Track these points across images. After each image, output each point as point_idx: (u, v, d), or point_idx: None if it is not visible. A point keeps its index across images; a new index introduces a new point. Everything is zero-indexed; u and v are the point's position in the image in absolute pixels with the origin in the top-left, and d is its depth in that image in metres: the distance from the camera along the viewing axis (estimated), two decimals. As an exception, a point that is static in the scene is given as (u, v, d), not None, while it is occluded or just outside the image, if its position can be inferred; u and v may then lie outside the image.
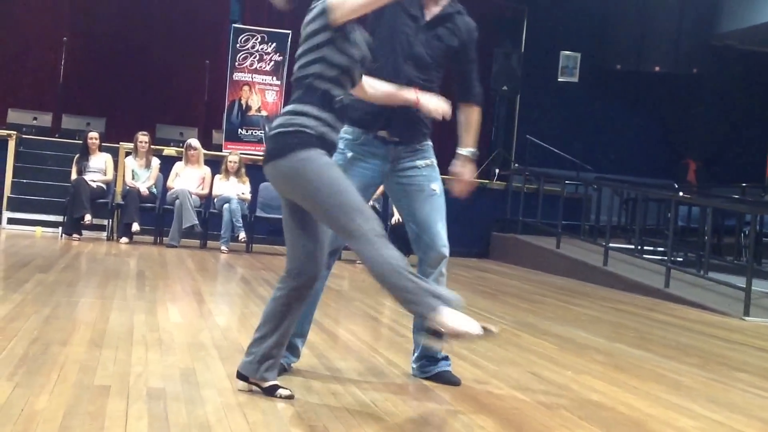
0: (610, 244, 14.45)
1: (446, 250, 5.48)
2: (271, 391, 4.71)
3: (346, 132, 5.33)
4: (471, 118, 5.62)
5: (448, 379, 5.46)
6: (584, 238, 16.22)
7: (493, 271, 15.25)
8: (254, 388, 4.75)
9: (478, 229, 17.64)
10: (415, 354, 5.61)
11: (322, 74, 4.63)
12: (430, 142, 5.56)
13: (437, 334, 4.42)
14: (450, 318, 4.38)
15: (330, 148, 4.66)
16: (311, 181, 4.49)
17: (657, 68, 20.05)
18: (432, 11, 5.38)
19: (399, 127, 5.34)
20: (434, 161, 5.54)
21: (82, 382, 4.70)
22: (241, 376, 4.80)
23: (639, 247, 15.16)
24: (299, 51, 4.72)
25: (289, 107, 4.70)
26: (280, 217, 11.53)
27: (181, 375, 5.07)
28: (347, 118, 5.05)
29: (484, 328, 4.47)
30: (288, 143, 4.54)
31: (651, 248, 15.62)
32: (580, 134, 19.90)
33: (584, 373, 6.34)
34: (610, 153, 20.03)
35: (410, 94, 5.12)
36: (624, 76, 20.27)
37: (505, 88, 18.74)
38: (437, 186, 5.47)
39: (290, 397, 4.70)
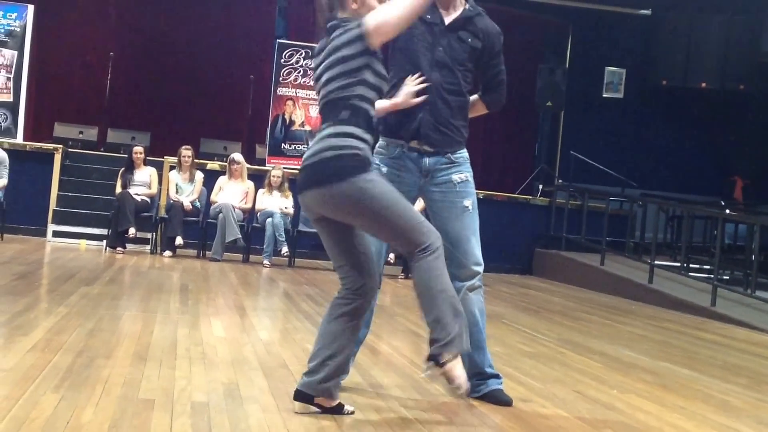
0: (656, 262, 14.33)
1: (478, 268, 5.43)
2: (338, 410, 4.70)
3: (379, 146, 5.39)
4: (475, 106, 5.61)
5: (500, 399, 5.37)
6: (629, 255, 16.09)
7: (537, 287, 15.16)
8: (313, 408, 4.69)
9: (522, 245, 17.55)
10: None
11: (365, 96, 4.70)
12: (465, 153, 5.47)
13: (437, 368, 4.59)
14: (459, 365, 4.61)
15: (372, 167, 4.74)
16: (380, 201, 4.59)
17: (703, 85, 19.88)
18: (451, 15, 5.37)
19: (429, 133, 5.30)
20: (469, 175, 5.44)
21: (126, 395, 4.69)
22: (303, 396, 4.70)
23: (685, 265, 15.03)
24: (333, 72, 4.72)
25: (336, 129, 4.70)
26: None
27: (225, 389, 5.06)
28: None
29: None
30: (348, 165, 4.58)
31: (697, 266, 15.48)
32: (624, 150, 19.77)
33: (630, 392, 6.27)
34: (656, 169, 19.89)
35: (385, 104, 5.20)
36: (670, 92, 20.12)
37: (549, 104, 18.65)
38: (470, 202, 5.39)
39: (352, 413, 4.73)
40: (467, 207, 5.37)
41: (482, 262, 5.45)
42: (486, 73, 5.51)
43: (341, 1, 4.80)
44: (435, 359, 4.58)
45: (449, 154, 5.38)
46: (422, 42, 5.32)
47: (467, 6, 5.40)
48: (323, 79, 4.80)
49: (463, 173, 5.39)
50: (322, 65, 4.80)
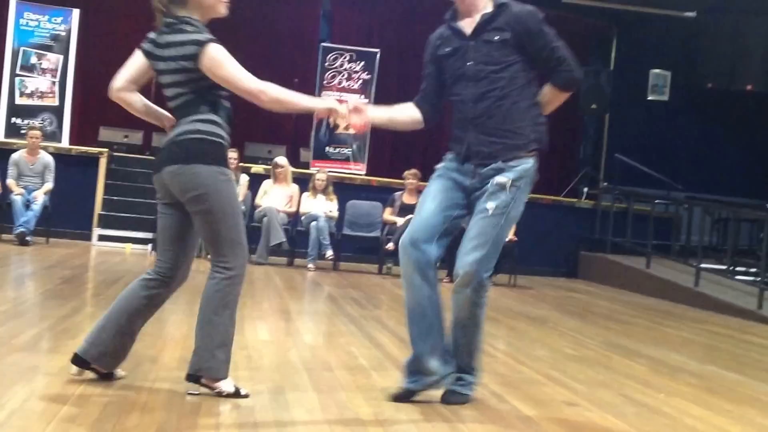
0: (702, 265, 14.23)
1: (461, 271, 5.14)
2: (109, 377, 5.00)
3: (446, 158, 5.41)
4: (547, 95, 5.32)
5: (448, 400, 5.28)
6: (675, 258, 15.99)
7: (582, 291, 15.09)
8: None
9: (566, 248, 17.49)
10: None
11: (219, 93, 5.05)
12: (525, 162, 5.16)
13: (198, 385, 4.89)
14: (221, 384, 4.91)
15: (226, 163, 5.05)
16: (219, 199, 4.87)
17: (749, 87, 19.73)
18: (472, 23, 5.23)
19: (479, 150, 5.19)
20: (510, 181, 5.09)
21: (172, 399, 4.71)
22: (79, 360, 4.95)
23: (731, 268, 14.91)
24: (179, 77, 4.96)
25: (201, 116, 4.95)
26: (368, 235, 11.63)
27: (270, 393, 5.07)
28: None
29: None
30: (210, 151, 4.90)
31: (743, 269, 15.35)
32: (670, 153, 19.62)
33: (677, 395, 6.23)
34: (702, 172, 19.74)
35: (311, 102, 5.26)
36: (715, 94, 19.96)
37: (594, 106, 18.57)
38: (492, 206, 5.08)
39: (123, 377, 5.05)
40: (487, 210, 5.12)
41: (470, 268, 5.10)
42: (538, 57, 5.18)
43: None
44: (194, 379, 4.87)
45: (501, 162, 5.15)
46: (452, 59, 5.28)
47: (489, 7, 5.22)
48: (166, 81, 4.99)
49: (505, 177, 5.11)
50: (165, 66, 4.96)
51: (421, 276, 5.18)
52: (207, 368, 4.84)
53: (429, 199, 5.28)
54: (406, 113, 5.65)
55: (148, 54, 5.04)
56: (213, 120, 4.91)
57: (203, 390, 4.85)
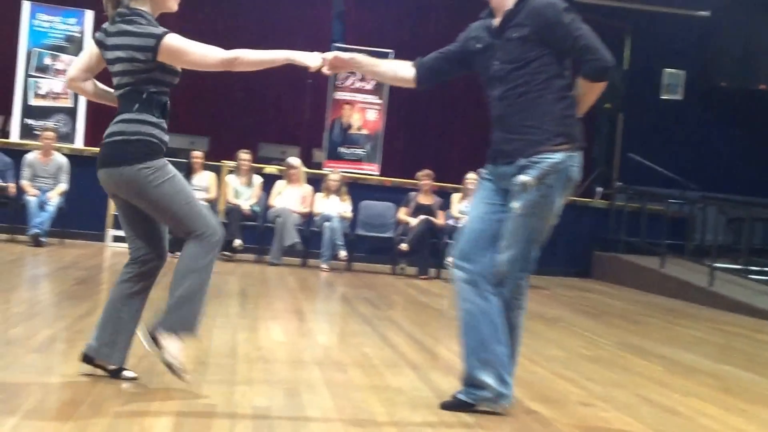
0: (716, 264, 14.20)
1: (494, 269, 5.01)
2: (116, 374, 5.06)
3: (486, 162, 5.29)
4: (581, 88, 5.06)
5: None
6: (689, 258, 15.96)
7: (595, 290, 15.07)
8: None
9: (580, 248, 17.45)
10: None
11: (158, 89, 5.05)
12: (550, 156, 4.91)
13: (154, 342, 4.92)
14: (174, 345, 4.97)
15: (161, 155, 5.07)
16: (161, 188, 4.94)
17: (763, 86, 19.69)
18: (498, 20, 5.11)
19: (501, 149, 5.08)
20: (533, 179, 4.88)
21: (187, 400, 4.72)
22: (87, 358, 5.08)
23: (745, 268, 14.88)
24: (124, 67, 4.97)
25: (130, 116, 5.00)
26: (381, 235, 11.65)
27: (285, 394, 5.07)
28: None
29: None
30: (135, 151, 4.94)
31: (758, 268, 15.31)
32: (684, 152, 19.57)
33: (692, 395, 6.22)
34: (716, 171, 19.69)
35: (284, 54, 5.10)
36: (729, 93, 19.91)
37: (607, 105, 18.54)
38: (518, 205, 4.91)
39: (135, 379, 5.08)
40: (514, 210, 4.95)
41: (500, 267, 5.00)
42: (563, 48, 4.96)
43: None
44: (153, 334, 4.94)
45: (523, 159, 4.95)
46: (482, 57, 5.16)
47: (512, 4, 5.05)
48: (115, 69, 5.00)
49: (527, 176, 4.90)
50: (115, 54, 4.97)
51: (472, 288, 5.05)
52: (167, 324, 4.95)
53: (473, 208, 5.25)
54: (394, 67, 5.65)
55: (99, 43, 5.10)
56: (139, 119, 4.95)
57: (153, 350, 4.94)
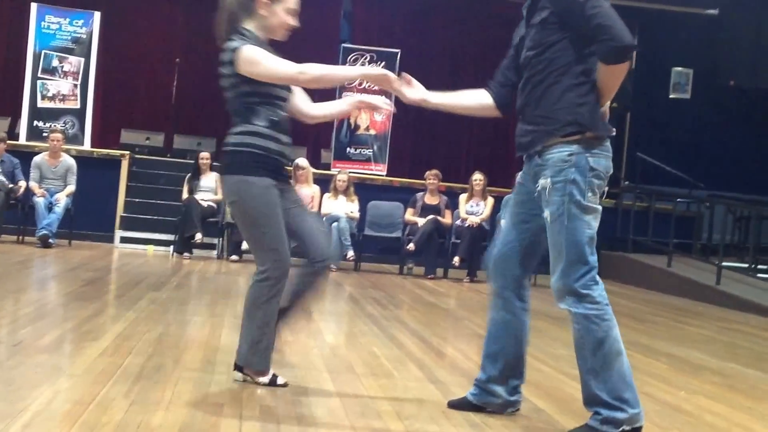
0: (723, 263, 14.20)
1: (555, 290, 4.70)
2: (272, 382, 5.27)
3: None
4: (598, 71, 4.63)
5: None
6: (696, 256, 15.96)
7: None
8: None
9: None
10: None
11: (264, 101, 5.25)
12: (561, 150, 4.58)
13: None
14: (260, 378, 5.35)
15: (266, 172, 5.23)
16: (248, 208, 5.19)
17: (772, 84, 19.68)
18: (526, 6, 4.86)
19: (520, 141, 4.81)
20: (549, 181, 4.58)
21: (195, 399, 4.74)
22: (237, 366, 5.33)
23: (753, 266, 14.87)
24: (225, 83, 5.22)
25: (244, 128, 5.19)
26: (389, 235, 11.68)
27: (293, 394, 5.08)
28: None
29: None
30: (240, 162, 5.15)
31: (765, 267, 15.30)
32: (692, 151, 19.56)
33: (698, 393, 6.22)
34: (723, 170, 19.66)
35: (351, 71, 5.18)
36: (738, 92, 19.89)
37: (615, 105, 18.49)
38: (547, 213, 4.61)
39: (285, 385, 5.26)
40: (546, 219, 4.64)
41: (553, 286, 4.68)
42: (578, 28, 4.57)
43: (249, 9, 5.21)
44: (239, 368, 5.31)
45: (537, 156, 4.68)
46: (520, 49, 4.88)
47: None
48: (222, 85, 5.22)
49: (544, 179, 4.63)
50: (220, 72, 5.19)
51: (500, 298, 4.93)
52: (247, 361, 5.24)
53: (506, 213, 5.18)
54: (472, 97, 5.15)
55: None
56: (249, 131, 5.12)
57: (247, 378, 5.27)
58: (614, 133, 4.73)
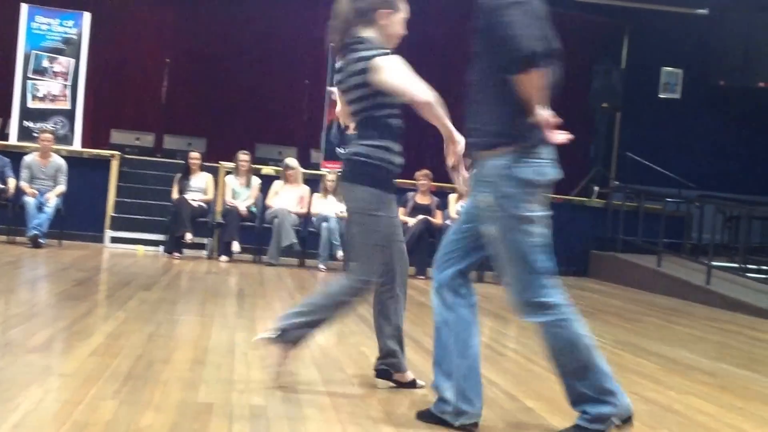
0: (713, 263, 14.23)
1: (511, 304, 4.65)
2: (412, 385, 5.59)
3: None
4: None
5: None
6: (686, 256, 15.99)
7: (593, 289, 15.08)
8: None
9: (577, 247, 17.44)
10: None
11: (391, 113, 5.31)
12: (490, 161, 4.49)
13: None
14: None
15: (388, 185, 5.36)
16: (358, 218, 5.34)
17: (761, 84, 19.68)
18: None
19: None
20: (483, 197, 4.52)
21: (185, 399, 4.73)
22: (384, 373, 5.61)
23: (743, 266, 14.90)
24: (354, 95, 5.24)
25: (371, 141, 5.24)
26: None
27: (282, 393, 5.09)
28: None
29: None
30: (367, 173, 5.22)
31: (755, 267, 15.34)
32: (681, 151, 19.59)
33: (688, 393, 6.24)
34: (713, 170, 19.69)
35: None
36: (728, 92, 19.91)
37: (605, 104, 18.57)
38: (486, 231, 4.59)
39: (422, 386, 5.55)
40: (487, 237, 4.60)
41: (510, 305, 4.67)
42: (490, 38, 4.41)
43: (368, 18, 5.06)
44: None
45: (475, 168, 4.63)
46: None
47: None
48: (348, 98, 5.23)
49: (481, 193, 4.56)
50: (343, 84, 5.22)
51: (437, 297, 4.80)
52: (390, 364, 5.52)
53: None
54: None
55: (337, 83, 5.42)
56: (380, 145, 5.18)
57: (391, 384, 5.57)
58: (552, 141, 4.51)
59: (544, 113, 4.44)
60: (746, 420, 5.48)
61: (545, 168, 4.52)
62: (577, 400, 4.57)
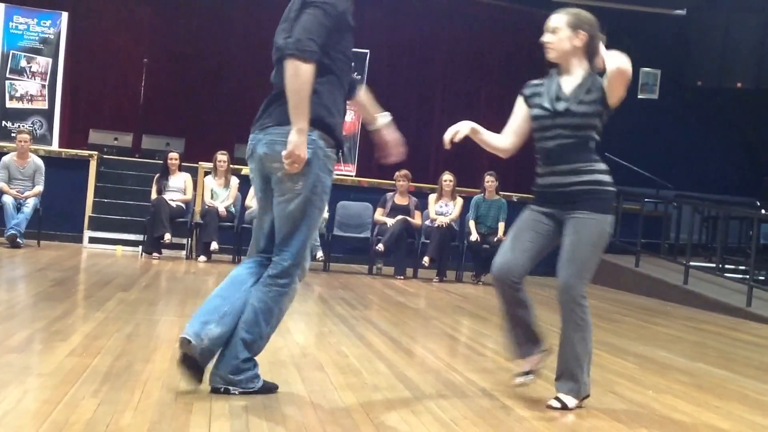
0: (691, 263, 14.29)
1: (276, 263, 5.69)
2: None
3: None
4: None
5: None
6: (664, 256, 16.05)
7: (572, 289, 15.08)
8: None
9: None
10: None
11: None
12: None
13: None
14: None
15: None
16: None
17: (739, 85, 19.79)
18: None
19: None
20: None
21: (164, 398, 4.73)
22: None
23: (720, 266, 14.97)
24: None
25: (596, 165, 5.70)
26: (358, 236, 11.64)
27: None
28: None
29: None
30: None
31: (732, 267, 15.42)
32: (659, 151, 19.67)
33: (666, 392, 6.26)
34: (691, 170, 19.77)
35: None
36: (705, 92, 20.01)
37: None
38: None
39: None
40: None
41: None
42: None
43: (594, 58, 5.81)
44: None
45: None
46: None
47: None
48: (578, 123, 5.72)
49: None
50: (575, 112, 5.68)
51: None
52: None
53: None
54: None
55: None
56: (607, 169, 5.62)
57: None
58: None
59: None
60: (723, 419, 5.50)
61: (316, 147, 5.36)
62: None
